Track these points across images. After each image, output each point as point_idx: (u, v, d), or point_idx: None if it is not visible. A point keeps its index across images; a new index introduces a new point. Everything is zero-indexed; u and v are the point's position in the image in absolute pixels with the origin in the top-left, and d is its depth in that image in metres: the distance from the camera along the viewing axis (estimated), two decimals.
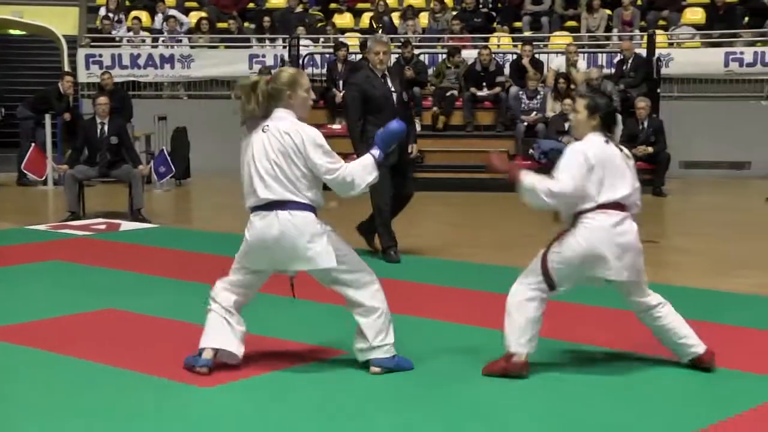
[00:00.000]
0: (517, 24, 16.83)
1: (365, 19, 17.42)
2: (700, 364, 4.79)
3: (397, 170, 7.79)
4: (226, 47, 16.67)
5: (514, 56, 14.78)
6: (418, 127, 8.26)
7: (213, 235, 9.40)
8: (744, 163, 14.24)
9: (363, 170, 4.65)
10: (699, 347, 4.80)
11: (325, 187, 4.71)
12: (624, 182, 4.72)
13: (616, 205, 4.69)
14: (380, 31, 16.74)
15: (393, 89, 7.75)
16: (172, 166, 13.04)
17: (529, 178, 4.66)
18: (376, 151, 4.72)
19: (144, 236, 9.37)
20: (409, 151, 7.90)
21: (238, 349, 4.75)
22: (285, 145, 4.58)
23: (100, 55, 16.08)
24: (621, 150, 4.80)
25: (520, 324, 4.69)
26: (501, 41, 16.34)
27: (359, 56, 14.61)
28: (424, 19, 16.89)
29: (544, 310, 4.74)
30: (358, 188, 4.66)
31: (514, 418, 4.16)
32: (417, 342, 5.21)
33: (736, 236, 9.42)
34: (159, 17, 17.37)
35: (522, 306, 4.71)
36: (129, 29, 16.73)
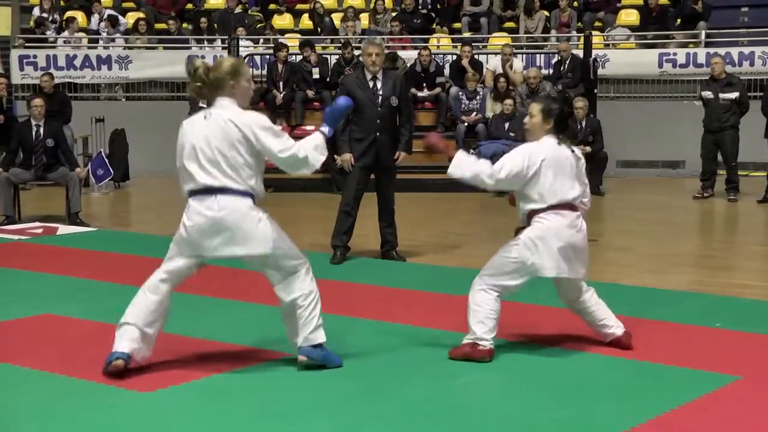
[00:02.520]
0: (457, 25, 16.93)
1: (305, 20, 17.39)
2: (618, 344, 5.12)
3: (378, 173, 7.83)
4: (165, 48, 16.51)
5: (454, 57, 14.87)
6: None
7: (152, 238, 9.29)
8: (678, 162, 14.51)
9: (315, 148, 4.70)
10: (618, 329, 5.14)
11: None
12: (574, 183, 4.98)
13: (568, 206, 4.92)
14: (320, 32, 16.79)
15: (380, 93, 7.74)
16: (111, 169, 12.88)
17: (464, 157, 5.04)
18: (325, 128, 4.78)
19: (82, 240, 9.24)
20: (395, 156, 7.89)
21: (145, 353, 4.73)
22: (229, 134, 4.57)
23: (35, 56, 15.81)
24: (573, 152, 5.05)
25: (482, 315, 4.91)
26: (440, 42, 16.43)
27: (299, 57, 14.59)
28: (365, 20, 16.91)
29: (500, 303, 4.98)
30: (311, 166, 4.70)
31: (456, 418, 4.17)
32: (355, 341, 5.21)
33: (670, 234, 9.61)
34: (95, 18, 17.13)
35: (483, 299, 4.94)
36: (62, 29, 16.45)
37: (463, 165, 5.00)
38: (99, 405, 4.32)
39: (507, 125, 13.28)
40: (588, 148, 12.79)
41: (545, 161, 4.90)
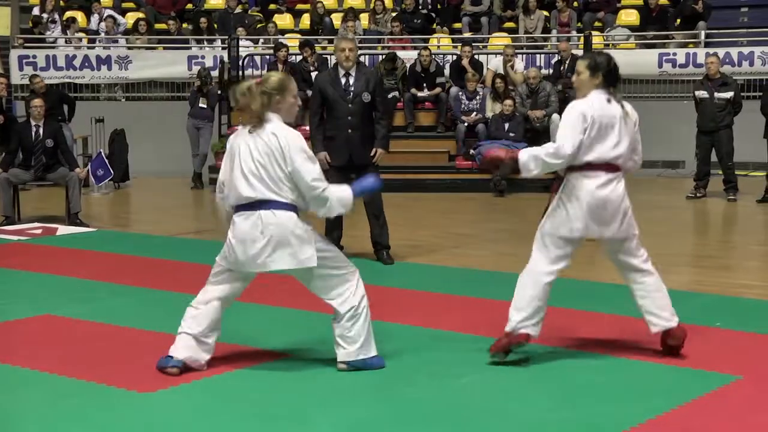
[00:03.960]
0: (457, 25, 16.94)
1: (305, 20, 17.38)
2: (667, 338, 4.99)
3: (355, 171, 7.75)
4: (164, 48, 16.50)
5: (454, 57, 14.87)
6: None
7: (152, 238, 9.29)
8: (678, 162, 14.51)
9: (339, 200, 4.72)
10: (670, 321, 4.98)
11: None
12: (618, 142, 4.84)
13: (606, 166, 4.82)
14: (320, 32, 16.78)
15: (352, 89, 7.71)
16: (111, 169, 12.87)
17: (524, 152, 4.88)
18: (354, 191, 4.79)
19: (82, 241, 9.23)
20: (372, 153, 7.81)
21: (202, 357, 4.80)
22: (270, 146, 4.60)
23: (34, 56, 15.81)
24: (623, 107, 4.88)
25: (529, 304, 4.86)
26: (441, 42, 16.43)
27: (299, 57, 14.60)
28: (364, 20, 16.91)
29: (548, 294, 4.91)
30: (327, 211, 4.73)
31: (457, 417, 4.18)
32: None
33: (670, 234, 9.60)
34: (95, 18, 17.13)
35: (531, 286, 4.86)
36: (67, 29, 16.45)
37: (529, 164, 4.85)
38: (100, 405, 4.33)
39: (507, 125, 13.28)
40: None
41: (593, 118, 4.76)
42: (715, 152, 12.16)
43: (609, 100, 4.85)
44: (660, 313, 5.00)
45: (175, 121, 14.29)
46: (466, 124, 13.68)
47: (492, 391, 4.56)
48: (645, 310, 5.04)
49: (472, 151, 13.33)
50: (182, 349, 4.74)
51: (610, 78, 4.88)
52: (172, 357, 4.72)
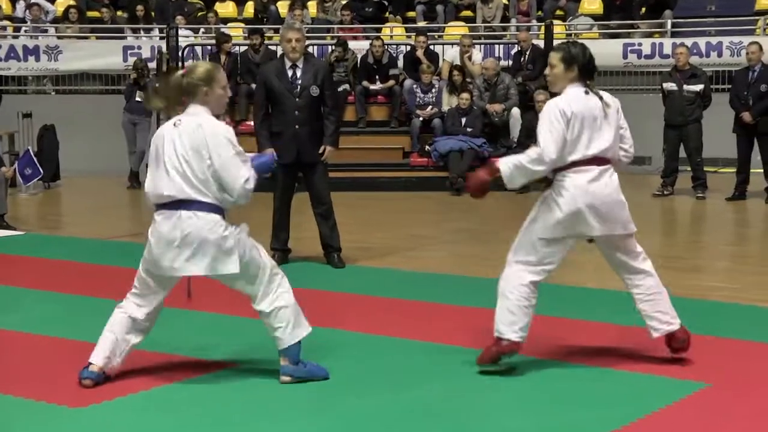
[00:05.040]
0: (411, 13, 16.99)
1: (249, 9, 17.32)
2: (671, 342, 5.03)
3: (303, 169, 7.74)
4: (98, 38, 16.35)
5: (408, 48, 14.90)
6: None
7: (85, 242, 9.20)
8: (644, 158, 14.65)
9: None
10: (672, 325, 5.01)
11: None
12: (602, 135, 4.83)
13: (594, 160, 4.81)
14: (265, 21, 16.72)
15: (299, 82, 7.66)
16: (40, 168, 12.70)
17: (505, 163, 4.86)
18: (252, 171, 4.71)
19: (8, 245, 9.10)
20: (321, 150, 7.71)
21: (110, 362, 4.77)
22: (196, 141, 4.56)
23: None
24: (601, 99, 4.89)
25: (513, 310, 4.84)
26: (394, 32, 16.46)
27: (243, 48, 14.53)
28: (312, 8, 16.88)
29: (536, 296, 4.90)
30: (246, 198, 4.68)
31: (406, 427, 4.18)
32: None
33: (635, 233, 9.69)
34: (21, 5, 16.90)
35: (517, 290, 4.84)
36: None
37: (514, 176, 4.86)
38: (26, 423, 4.26)
39: (464, 120, 13.34)
40: None
41: (573, 114, 4.76)
42: (683, 147, 12.31)
43: (587, 92, 4.87)
44: (661, 317, 5.03)
45: (110, 116, 14.15)
46: (421, 118, 13.71)
47: (443, 401, 4.57)
48: (645, 315, 5.06)
49: (427, 148, 13.37)
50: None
51: (586, 70, 4.90)
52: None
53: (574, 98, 4.83)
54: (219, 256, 4.58)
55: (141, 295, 4.79)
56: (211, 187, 4.58)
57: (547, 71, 5.04)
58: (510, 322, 4.87)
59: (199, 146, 4.55)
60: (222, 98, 4.75)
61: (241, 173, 4.58)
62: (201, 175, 4.56)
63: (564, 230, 4.84)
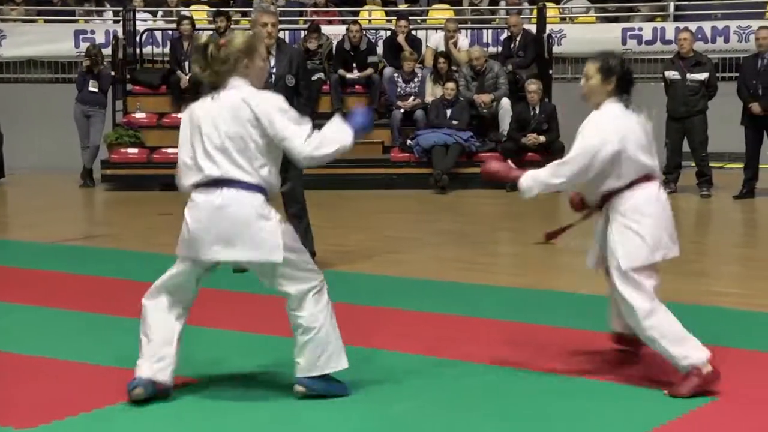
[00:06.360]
0: None
1: None
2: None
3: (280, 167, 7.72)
4: (46, 22, 16.29)
5: (388, 33, 14.91)
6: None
7: (32, 245, 9.14)
8: None
9: (338, 142, 4.77)
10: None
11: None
12: (649, 151, 4.91)
13: (646, 177, 4.89)
14: (232, 4, 16.68)
15: (274, 71, 7.64)
16: None
17: (526, 178, 4.89)
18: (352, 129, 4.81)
19: None
20: None
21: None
22: (241, 115, 4.56)
23: None
24: (638, 114, 4.94)
25: (675, 334, 4.90)
26: (373, 16, 16.47)
27: (208, 32, 14.49)
28: None
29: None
30: (325, 159, 4.77)
31: None
32: (266, 360, 5.20)
33: None
34: None
35: (664, 319, 4.93)
36: None
37: (533, 186, 4.90)
38: None
39: (449, 112, 13.36)
40: (542, 138, 12.95)
41: (622, 137, 4.78)
42: (687, 141, 12.36)
43: (626, 106, 4.91)
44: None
45: (61, 107, 14.08)
46: (402, 110, 13.73)
47: (426, 418, 4.57)
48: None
49: (409, 142, 13.38)
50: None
51: (624, 83, 4.93)
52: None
53: (617, 116, 4.87)
54: (263, 239, 4.58)
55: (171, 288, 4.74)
56: (256, 165, 4.58)
57: (582, 81, 5.02)
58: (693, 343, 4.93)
59: (246, 121, 4.55)
60: (263, 71, 4.81)
61: (304, 141, 4.60)
62: (246, 151, 4.56)
63: (653, 254, 5.01)
